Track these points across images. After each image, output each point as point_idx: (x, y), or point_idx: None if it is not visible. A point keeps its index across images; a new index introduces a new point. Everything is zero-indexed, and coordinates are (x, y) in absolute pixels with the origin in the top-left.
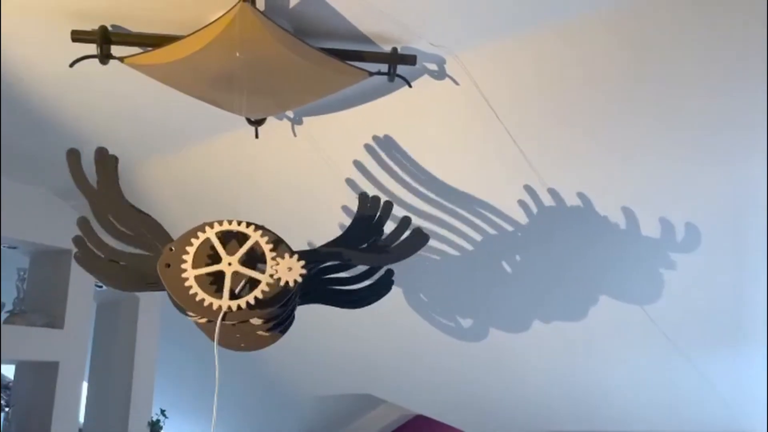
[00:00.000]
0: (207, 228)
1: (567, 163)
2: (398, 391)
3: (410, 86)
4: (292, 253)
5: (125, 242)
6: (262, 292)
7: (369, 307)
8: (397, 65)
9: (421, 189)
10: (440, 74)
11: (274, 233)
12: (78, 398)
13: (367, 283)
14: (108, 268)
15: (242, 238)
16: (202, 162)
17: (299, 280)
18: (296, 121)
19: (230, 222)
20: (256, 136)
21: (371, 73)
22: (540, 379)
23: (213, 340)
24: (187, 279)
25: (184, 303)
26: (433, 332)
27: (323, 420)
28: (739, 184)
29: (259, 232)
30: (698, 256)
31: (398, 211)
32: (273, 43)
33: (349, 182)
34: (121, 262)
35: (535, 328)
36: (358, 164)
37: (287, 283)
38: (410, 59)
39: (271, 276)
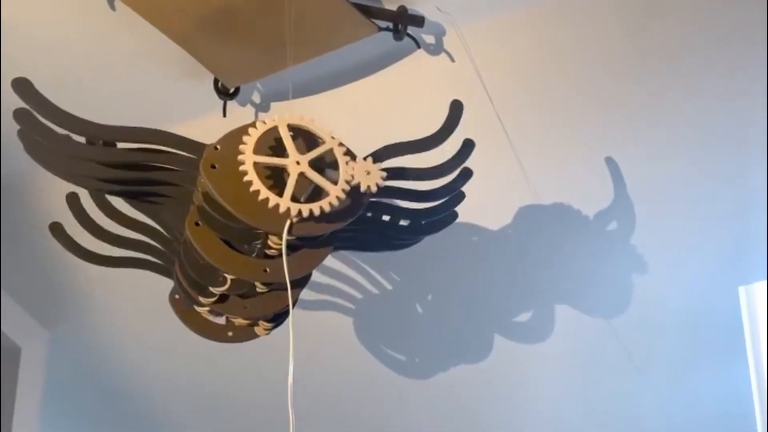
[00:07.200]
0: (277, 117)
1: (558, 162)
2: None
3: (419, 47)
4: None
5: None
6: (337, 198)
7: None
8: (406, 25)
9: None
10: (437, 48)
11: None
12: None
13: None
14: None
15: (312, 140)
16: None
17: (381, 183)
18: (262, 107)
19: (302, 118)
20: (224, 114)
21: (380, 28)
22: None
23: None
24: (245, 169)
25: (236, 205)
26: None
27: None
28: None
29: (336, 141)
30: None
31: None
32: None
33: None
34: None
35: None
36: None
37: (368, 188)
38: (418, 20)
39: (348, 182)
